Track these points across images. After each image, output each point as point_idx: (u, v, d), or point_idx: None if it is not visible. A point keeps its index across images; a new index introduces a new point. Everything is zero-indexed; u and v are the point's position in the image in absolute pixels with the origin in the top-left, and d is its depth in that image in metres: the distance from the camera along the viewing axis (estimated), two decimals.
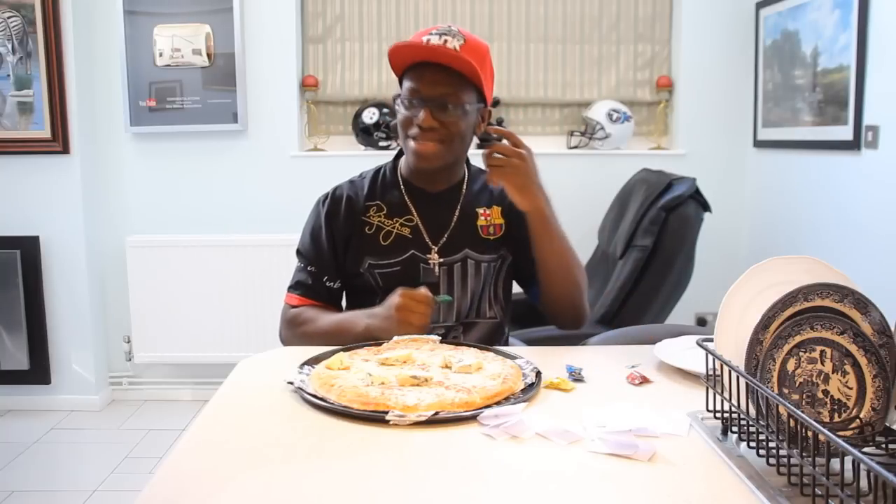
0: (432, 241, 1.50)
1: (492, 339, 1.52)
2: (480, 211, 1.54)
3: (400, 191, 1.53)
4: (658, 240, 2.47)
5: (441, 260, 1.49)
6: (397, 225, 1.50)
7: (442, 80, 1.40)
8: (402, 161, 1.56)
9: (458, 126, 1.43)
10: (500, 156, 1.35)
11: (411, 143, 1.44)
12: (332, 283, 1.52)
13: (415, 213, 1.51)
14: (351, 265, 1.51)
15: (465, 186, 1.55)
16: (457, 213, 1.52)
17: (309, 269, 1.53)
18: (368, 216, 1.52)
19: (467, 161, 1.59)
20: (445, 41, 1.39)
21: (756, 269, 0.97)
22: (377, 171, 1.59)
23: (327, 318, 1.47)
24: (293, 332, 1.50)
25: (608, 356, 1.31)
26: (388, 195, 1.54)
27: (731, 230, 3.24)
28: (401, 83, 1.48)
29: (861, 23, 2.44)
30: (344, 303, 1.59)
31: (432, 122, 1.40)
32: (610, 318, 2.46)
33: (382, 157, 1.67)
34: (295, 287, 1.54)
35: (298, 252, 1.57)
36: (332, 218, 1.52)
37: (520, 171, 1.35)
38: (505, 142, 1.38)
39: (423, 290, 1.35)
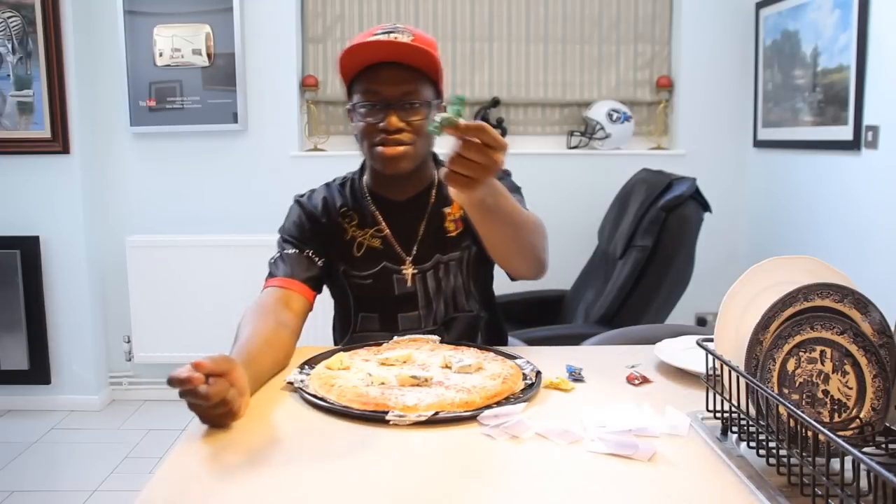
0: (405, 251, 1.45)
1: (473, 332, 1.49)
2: (446, 211, 1.47)
3: (367, 202, 1.48)
4: (658, 240, 2.47)
5: (415, 270, 1.45)
6: (368, 236, 1.46)
7: (402, 78, 1.32)
8: (367, 172, 1.50)
9: (424, 124, 1.34)
10: (472, 159, 0.99)
11: (378, 150, 1.35)
12: (316, 258, 1.43)
13: (384, 224, 1.46)
14: (330, 263, 1.47)
15: (434, 193, 1.48)
16: (425, 221, 1.46)
17: (287, 251, 1.43)
18: (343, 223, 1.47)
19: (435, 159, 1.51)
20: (395, 38, 1.32)
21: (756, 269, 0.97)
22: (345, 180, 1.53)
23: (243, 333, 1.26)
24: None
25: (608, 356, 1.31)
26: (357, 206, 1.48)
27: (731, 230, 3.24)
28: (348, 92, 1.40)
29: (861, 23, 2.44)
30: (333, 302, 1.56)
31: (399, 123, 1.32)
32: (610, 318, 2.46)
33: None
34: (269, 274, 1.44)
35: (281, 238, 1.47)
36: (312, 215, 1.47)
37: (487, 176, 1.02)
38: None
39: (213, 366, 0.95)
